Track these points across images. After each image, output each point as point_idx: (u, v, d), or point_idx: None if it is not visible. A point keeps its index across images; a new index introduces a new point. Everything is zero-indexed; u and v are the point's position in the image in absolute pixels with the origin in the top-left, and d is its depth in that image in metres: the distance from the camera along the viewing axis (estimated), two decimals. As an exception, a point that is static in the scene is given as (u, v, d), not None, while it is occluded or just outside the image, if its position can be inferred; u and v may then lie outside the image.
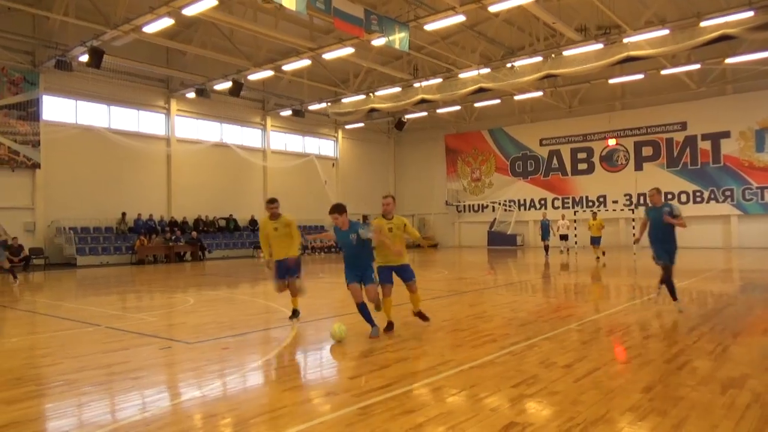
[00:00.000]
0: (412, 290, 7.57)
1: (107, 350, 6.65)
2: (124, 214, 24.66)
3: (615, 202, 30.99)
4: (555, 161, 33.48)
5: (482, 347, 6.37)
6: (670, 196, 28.50)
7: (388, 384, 4.88)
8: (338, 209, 7.07)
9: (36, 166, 22.12)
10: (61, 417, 4.37)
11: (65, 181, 23.09)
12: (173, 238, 25.16)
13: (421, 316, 7.71)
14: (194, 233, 26.01)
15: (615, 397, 4.43)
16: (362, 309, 7.05)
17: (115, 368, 5.69)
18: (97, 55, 19.63)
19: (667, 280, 8.71)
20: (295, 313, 8.46)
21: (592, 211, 23.28)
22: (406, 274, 7.50)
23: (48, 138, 22.38)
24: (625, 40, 20.02)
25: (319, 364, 6.03)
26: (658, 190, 8.98)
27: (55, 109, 23.17)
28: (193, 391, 5.01)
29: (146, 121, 26.38)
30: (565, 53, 21.46)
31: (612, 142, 31.08)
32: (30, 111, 21.91)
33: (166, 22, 17.59)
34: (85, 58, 19.93)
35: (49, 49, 21.23)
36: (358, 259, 7.10)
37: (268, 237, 8.25)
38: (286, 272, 8.27)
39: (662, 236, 8.68)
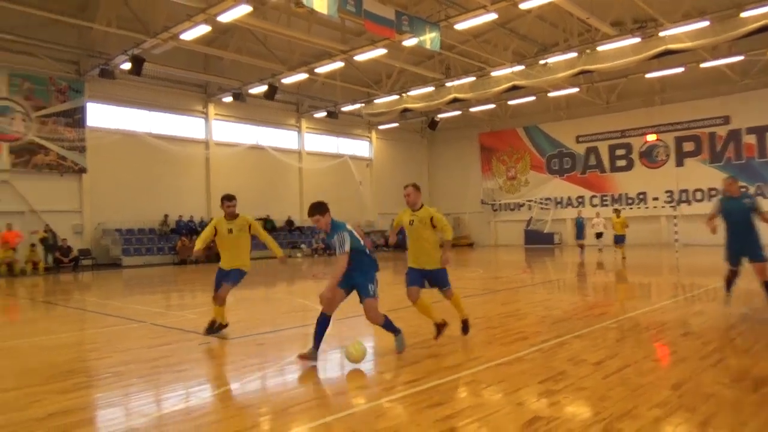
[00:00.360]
0: (446, 297, 6.67)
1: (151, 345, 6.97)
2: (166, 215, 25.44)
3: (655, 199, 30.27)
4: (592, 158, 32.92)
5: (512, 344, 6.42)
6: (713, 192, 27.72)
7: (417, 378, 4.99)
8: (318, 209, 5.62)
9: (82, 170, 23.06)
10: (108, 406, 4.66)
11: (110, 185, 23.98)
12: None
13: (465, 325, 6.77)
14: (233, 234, 26.58)
15: (644, 394, 4.43)
16: (321, 323, 5.70)
17: (159, 362, 5.98)
18: (138, 63, 20.37)
19: (727, 277, 8.13)
20: (212, 327, 7.25)
21: (614, 208, 22.76)
22: (439, 280, 6.49)
23: (93, 143, 23.29)
24: (663, 34, 19.59)
25: (351, 359, 6.19)
26: (734, 179, 8.12)
27: (100, 115, 24.08)
28: (232, 384, 5.24)
29: (185, 126, 27.15)
30: (601, 48, 21.14)
31: (652, 137, 30.36)
32: (76, 118, 22.87)
33: (202, 29, 18.12)
34: (127, 66, 20.71)
35: (92, 59, 22.12)
36: (351, 267, 5.64)
37: (220, 238, 7.23)
38: (223, 277, 7.21)
39: (741, 230, 7.73)
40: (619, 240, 19.75)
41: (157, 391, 5.12)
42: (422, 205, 6.47)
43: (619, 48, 20.84)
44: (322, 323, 5.67)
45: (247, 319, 8.88)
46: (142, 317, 9.25)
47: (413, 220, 6.37)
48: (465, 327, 6.80)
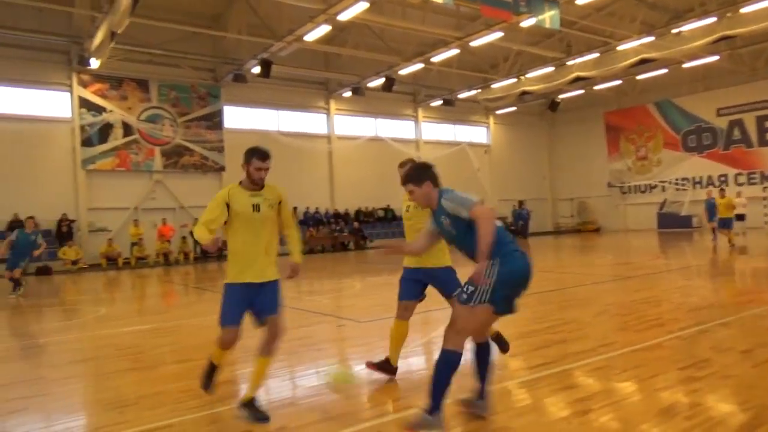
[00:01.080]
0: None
1: (293, 326, 7.55)
2: (295, 208, 27.06)
3: (816, 174, 26.83)
4: (736, 132, 29.84)
5: (648, 331, 6.19)
6: None
7: (547, 363, 5.03)
8: (416, 175, 3.91)
9: (222, 169, 25.25)
10: (263, 379, 5.23)
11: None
12: (338, 228, 27.10)
13: (499, 341, 4.90)
14: (356, 223, 27.72)
15: (800, 384, 4.14)
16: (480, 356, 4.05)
17: (302, 341, 6.54)
18: (266, 66, 21.83)
19: None
20: (251, 408, 4.16)
21: (720, 188, 20.10)
22: (445, 283, 4.64)
23: (230, 144, 25.35)
24: (823, -14, 17.26)
25: (479, 343, 6.32)
26: None
27: (235, 117, 26.13)
28: (366, 363, 5.61)
29: (310, 122, 28.61)
30: (745, 10, 19.04)
31: (810, 105, 26.88)
32: (215, 121, 25.06)
33: (323, 29, 18.97)
34: (257, 69, 22.27)
35: (227, 65, 24.05)
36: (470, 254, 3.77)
37: (236, 220, 4.21)
38: (255, 305, 4.43)
39: None
40: (724, 224, 17.20)
41: (300, 368, 5.64)
42: None
43: (767, 7, 18.67)
44: (481, 355, 3.98)
45: (376, 304, 9.34)
46: (281, 302, 10.05)
47: (410, 207, 4.95)
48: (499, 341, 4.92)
